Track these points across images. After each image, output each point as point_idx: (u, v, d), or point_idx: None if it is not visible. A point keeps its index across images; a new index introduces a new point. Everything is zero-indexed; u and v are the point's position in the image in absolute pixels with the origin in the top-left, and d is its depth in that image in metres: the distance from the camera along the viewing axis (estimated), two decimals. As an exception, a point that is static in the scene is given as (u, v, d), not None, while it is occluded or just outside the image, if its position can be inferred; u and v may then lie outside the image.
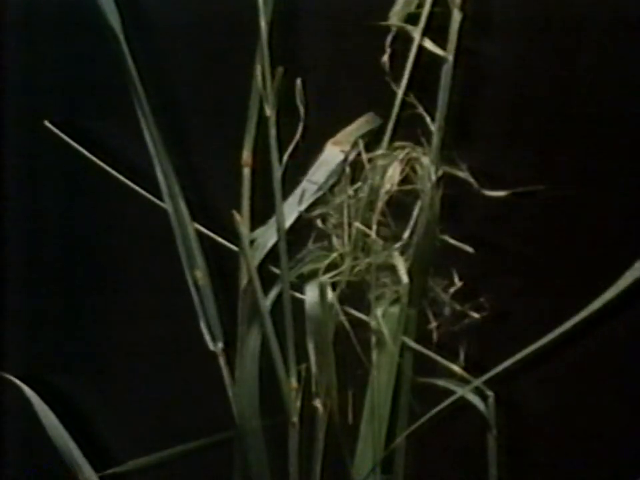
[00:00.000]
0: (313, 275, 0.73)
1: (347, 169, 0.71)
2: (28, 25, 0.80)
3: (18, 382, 0.79)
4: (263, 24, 0.68)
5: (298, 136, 0.69)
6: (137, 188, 0.76)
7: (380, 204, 0.70)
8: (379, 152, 0.71)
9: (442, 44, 0.69)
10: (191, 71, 0.78)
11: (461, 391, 0.72)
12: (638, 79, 0.76)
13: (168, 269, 0.79)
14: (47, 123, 0.76)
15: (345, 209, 0.71)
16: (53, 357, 0.89)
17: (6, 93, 0.81)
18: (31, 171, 0.84)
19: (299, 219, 0.73)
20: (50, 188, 0.84)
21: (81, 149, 0.76)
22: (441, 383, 0.74)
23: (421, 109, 0.68)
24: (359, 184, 0.71)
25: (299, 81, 0.68)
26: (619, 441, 0.79)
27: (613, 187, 0.77)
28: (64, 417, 0.78)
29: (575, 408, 0.79)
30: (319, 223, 0.73)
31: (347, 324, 0.71)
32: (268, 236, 0.73)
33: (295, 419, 0.73)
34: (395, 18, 0.69)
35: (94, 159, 0.76)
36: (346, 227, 0.71)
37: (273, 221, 0.72)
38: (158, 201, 0.75)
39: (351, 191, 0.71)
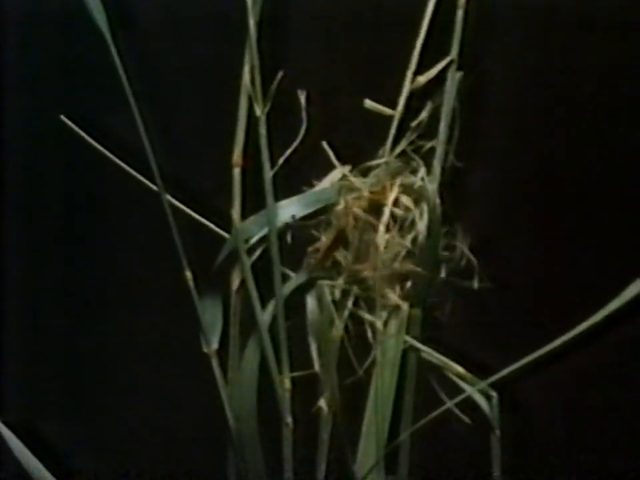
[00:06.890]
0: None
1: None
2: (26, 26, 0.81)
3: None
4: (251, 23, 0.68)
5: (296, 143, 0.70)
6: (135, 183, 0.76)
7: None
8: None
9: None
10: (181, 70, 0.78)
11: (467, 392, 0.71)
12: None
13: (165, 270, 0.79)
14: (63, 118, 0.77)
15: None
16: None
17: (5, 92, 0.82)
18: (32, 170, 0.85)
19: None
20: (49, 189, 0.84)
21: (88, 140, 0.76)
22: (443, 387, 0.73)
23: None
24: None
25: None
26: (621, 443, 0.78)
27: (616, 193, 0.76)
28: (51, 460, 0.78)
29: (578, 408, 0.78)
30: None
31: (340, 324, 0.71)
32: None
33: (289, 419, 0.73)
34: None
35: (99, 149, 0.76)
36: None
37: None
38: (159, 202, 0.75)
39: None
